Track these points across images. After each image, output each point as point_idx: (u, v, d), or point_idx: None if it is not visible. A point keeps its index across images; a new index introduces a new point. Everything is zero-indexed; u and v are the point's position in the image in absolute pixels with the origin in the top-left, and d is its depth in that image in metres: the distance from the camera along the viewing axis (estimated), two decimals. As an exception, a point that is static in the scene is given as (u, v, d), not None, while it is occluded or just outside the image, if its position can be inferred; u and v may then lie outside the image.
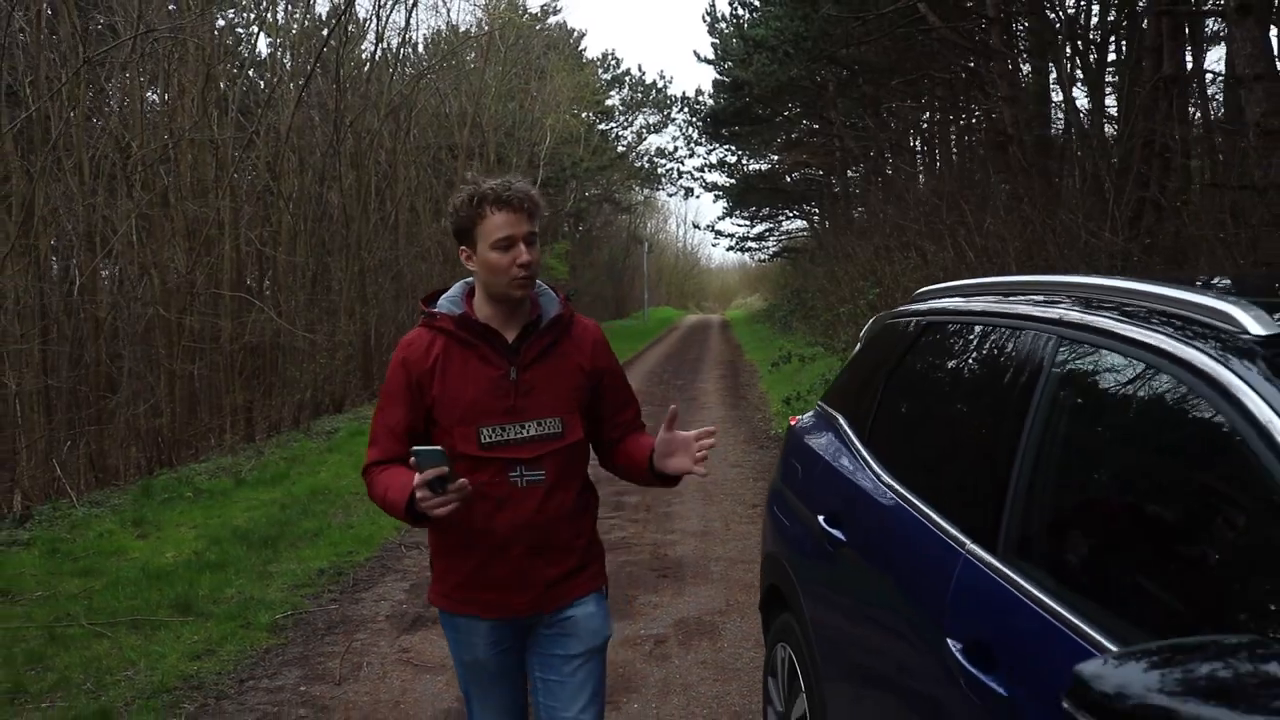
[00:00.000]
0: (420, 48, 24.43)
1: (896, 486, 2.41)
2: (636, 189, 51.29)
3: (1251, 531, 1.39)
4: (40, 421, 9.41)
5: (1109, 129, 14.15)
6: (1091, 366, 1.86)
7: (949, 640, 1.90)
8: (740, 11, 25.23)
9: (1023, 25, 16.48)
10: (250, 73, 18.05)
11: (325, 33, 17.16)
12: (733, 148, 35.40)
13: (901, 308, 2.99)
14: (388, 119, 17.71)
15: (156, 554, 6.74)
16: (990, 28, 14.92)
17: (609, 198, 46.66)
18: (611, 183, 44.37)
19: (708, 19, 30.18)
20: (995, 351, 2.25)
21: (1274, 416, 1.37)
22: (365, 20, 19.87)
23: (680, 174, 45.27)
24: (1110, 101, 16.36)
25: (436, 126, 22.61)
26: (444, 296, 2.45)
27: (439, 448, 2.10)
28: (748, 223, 43.49)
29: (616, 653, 4.75)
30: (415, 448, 2.10)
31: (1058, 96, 16.20)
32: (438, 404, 2.35)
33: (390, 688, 4.42)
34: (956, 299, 2.61)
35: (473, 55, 25.01)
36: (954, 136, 22.15)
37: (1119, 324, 1.78)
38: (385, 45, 19.20)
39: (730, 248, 47.27)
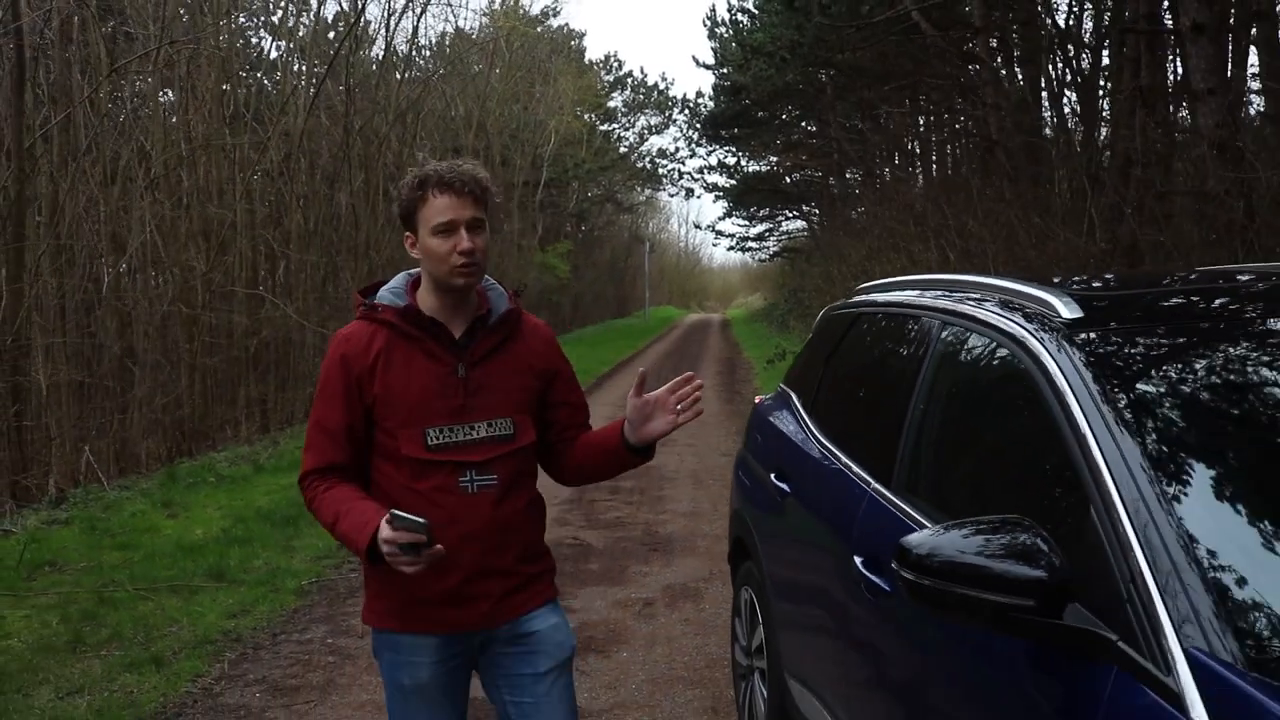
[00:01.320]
0: (427, 52, 25.04)
1: (828, 445, 2.97)
2: (638, 189, 51.90)
3: (1038, 449, 1.94)
4: (72, 412, 9.99)
5: (1097, 134, 14.72)
6: (959, 344, 2.42)
7: (855, 557, 2.45)
8: (740, 18, 25.76)
9: (1013, 33, 17.03)
10: (262, 77, 18.64)
11: (331, 34, 17.77)
12: (733, 149, 35.92)
13: (841, 302, 3.55)
14: (396, 123, 18.26)
15: (187, 531, 7.31)
16: (977, 37, 15.48)
17: (611, 198, 47.25)
18: (614, 183, 44.98)
19: (708, 23, 30.73)
20: (901, 335, 2.81)
21: (1058, 372, 1.92)
22: (375, 28, 20.42)
23: (681, 175, 45.83)
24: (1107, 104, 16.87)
25: (443, 129, 23.18)
26: (385, 287, 2.32)
27: (423, 521, 1.96)
28: (747, 223, 44.09)
29: (609, 613, 5.32)
30: (395, 512, 1.97)
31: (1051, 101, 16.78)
32: (379, 403, 2.20)
33: (407, 640, 4.97)
34: (882, 294, 3.17)
35: (478, 59, 25.59)
36: (944, 141, 22.64)
37: (979, 310, 2.34)
38: (393, 51, 19.79)
39: (731, 248, 47.86)
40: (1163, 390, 1.90)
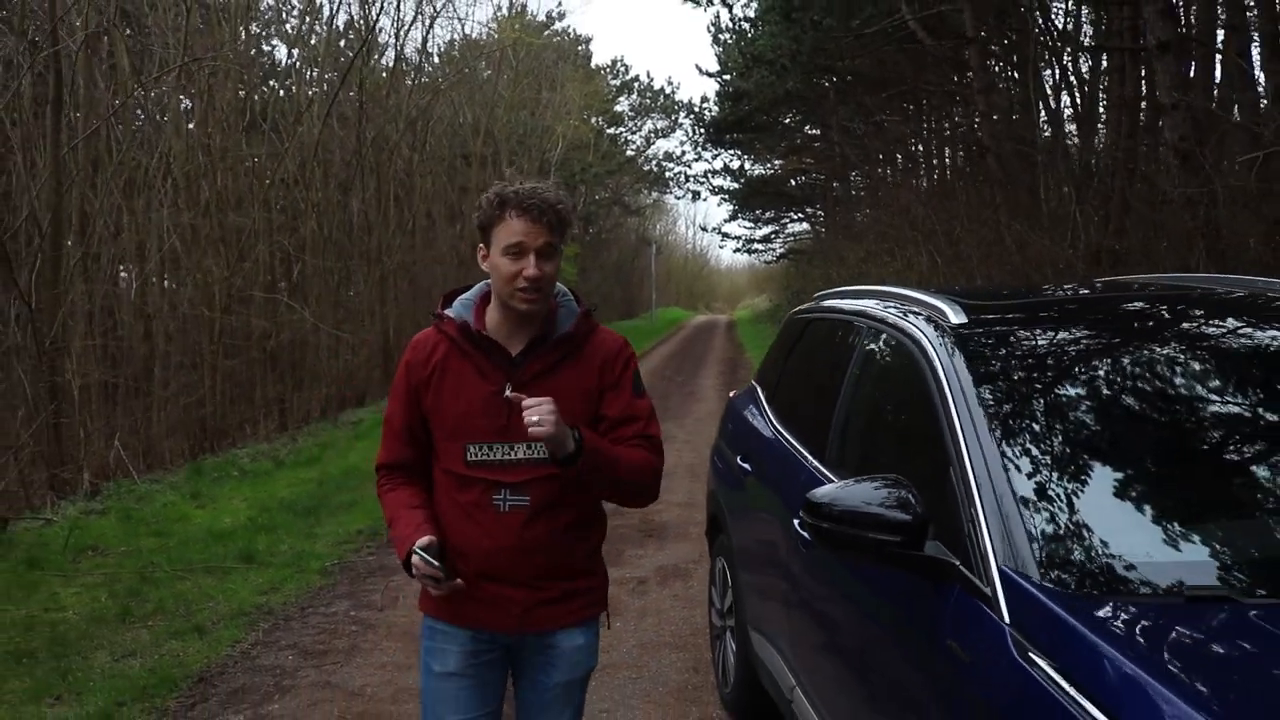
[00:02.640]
0: (436, 58, 25.64)
1: (781, 430, 3.50)
2: (646, 192, 52.47)
3: (924, 425, 2.46)
4: (103, 410, 10.57)
5: (1095, 140, 15.20)
6: (877, 343, 2.94)
7: (794, 520, 2.97)
8: (743, 25, 26.26)
9: (1009, 39, 17.49)
10: (275, 85, 19.24)
11: (342, 42, 18.35)
12: (737, 152, 36.39)
13: (800, 307, 4.08)
14: (406, 131, 18.83)
15: (216, 520, 7.86)
16: (969, 47, 15.96)
17: (619, 201, 47.82)
18: (621, 186, 45.55)
19: (712, 29, 31.19)
20: (838, 336, 3.33)
21: (940, 366, 2.44)
22: (385, 38, 21.01)
23: (687, 178, 46.38)
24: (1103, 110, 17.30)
25: (451, 136, 23.76)
26: (460, 298, 2.38)
27: (438, 564, 2.15)
28: (753, 225, 44.58)
29: (605, 589, 5.85)
30: (418, 551, 2.15)
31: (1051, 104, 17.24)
32: (431, 415, 2.31)
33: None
34: (831, 301, 3.69)
35: (485, 65, 26.14)
36: (940, 146, 23.12)
37: (891, 316, 2.86)
38: (404, 59, 20.37)
39: (737, 249, 48.47)
40: (1015, 379, 2.42)
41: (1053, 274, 10.25)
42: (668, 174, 47.73)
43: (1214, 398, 2.31)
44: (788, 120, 28.78)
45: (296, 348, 14.47)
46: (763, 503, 3.47)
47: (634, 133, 46.66)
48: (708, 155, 39.39)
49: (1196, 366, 2.40)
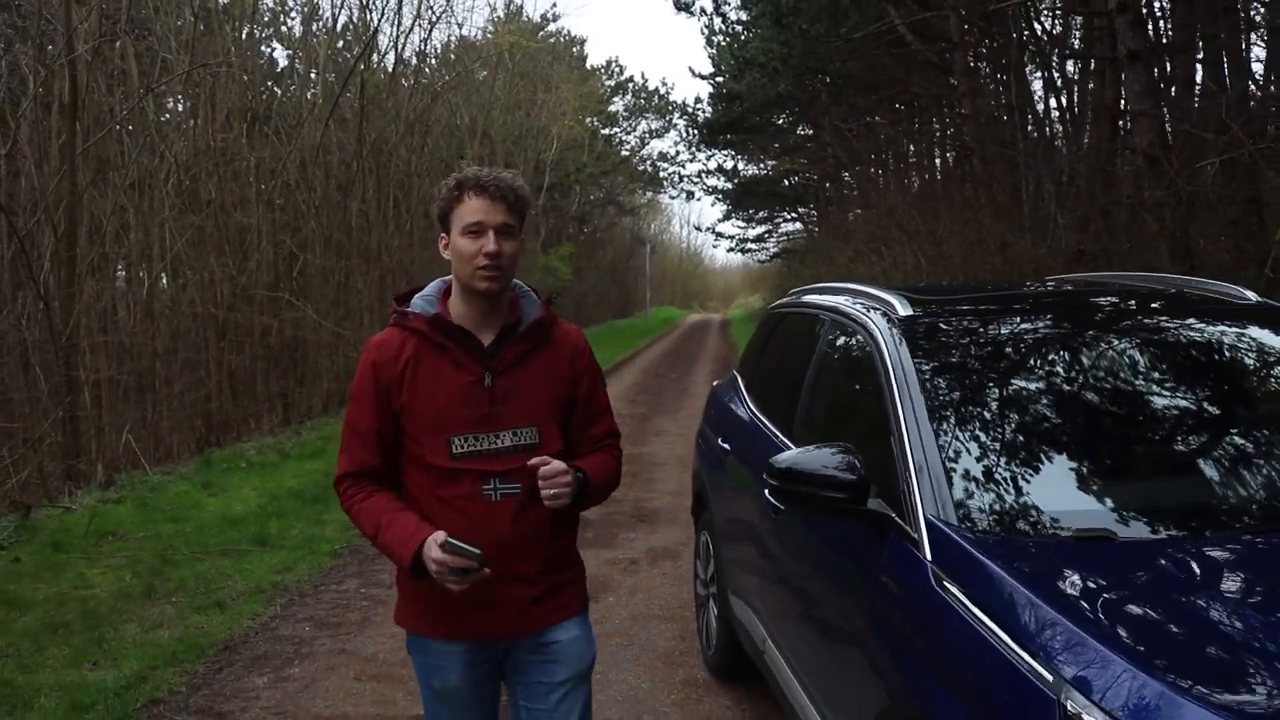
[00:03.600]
0: (433, 60, 26.01)
1: (756, 412, 3.90)
2: (640, 192, 52.87)
3: (873, 401, 2.85)
4: (115, 404, 10.94)
5: (1081, 142, 15.60)
6: (837, 332, 3.34)
7: (765, 490, 3.36)
8: (736, 28, 26.64)
9: (995, 43, 17.87)
10: (277, 89, 19.60)
11: (340, 44, 18.71)
12: (730, 152, 36.77)
13: (777, 302, 4.47)
14: (405, 134, 19.20)
15: (228, 507, 8.23)
16: (955, 51, 16.37)
17: (613, 200, 48.22)
18: (615, 186, 45.94)
19: (705, 31, 31.57)
20: (806, 328, 3.73)
21: (887, 353, 2.83)
22: (385, 44, 21.37)
23: (681, 178, 46.78)
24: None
25: (449, 137, 24.13)
26: (419, 294, 2.36)
27: (478, 551, 2.08)
28: (745, 225, 45.00)
29: (599, 569, 6.23)
30: (451, 541, 2.09)
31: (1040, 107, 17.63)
32: (405, 411, 2.26)
33: (428, 589, 5.93)
34: (801, 296, 4.08)
35: (481, 66, 26.51)
36: (930, 148, 23.53)
37: (849, 309, 3.26)
38: (403, 63, 20.72)
39: (731, 249, 48.77)
40: (948, 361, 2.82)
41: (1032, 273, 10.66)
42: (662, 174, 48.15)
43: (1106, 377, 2.72)
44: (780, 121, 29.16)
45: (298, 344, 14.84)
46: (739, 478, 3.86)
47: (629, 133, 47.07)
48: (701, 156, 39.78)
49: (1093, 351, 2.81)
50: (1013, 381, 2.73)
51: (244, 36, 15.44)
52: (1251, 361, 2.80)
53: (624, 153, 45.83)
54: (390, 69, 19.76)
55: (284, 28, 23.06)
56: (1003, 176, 14.41)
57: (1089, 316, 3.11)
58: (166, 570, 6.35)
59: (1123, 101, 12.83)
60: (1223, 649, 1.79)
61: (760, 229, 45.68)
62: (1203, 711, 1.61)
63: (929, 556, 2.26)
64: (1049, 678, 1.78)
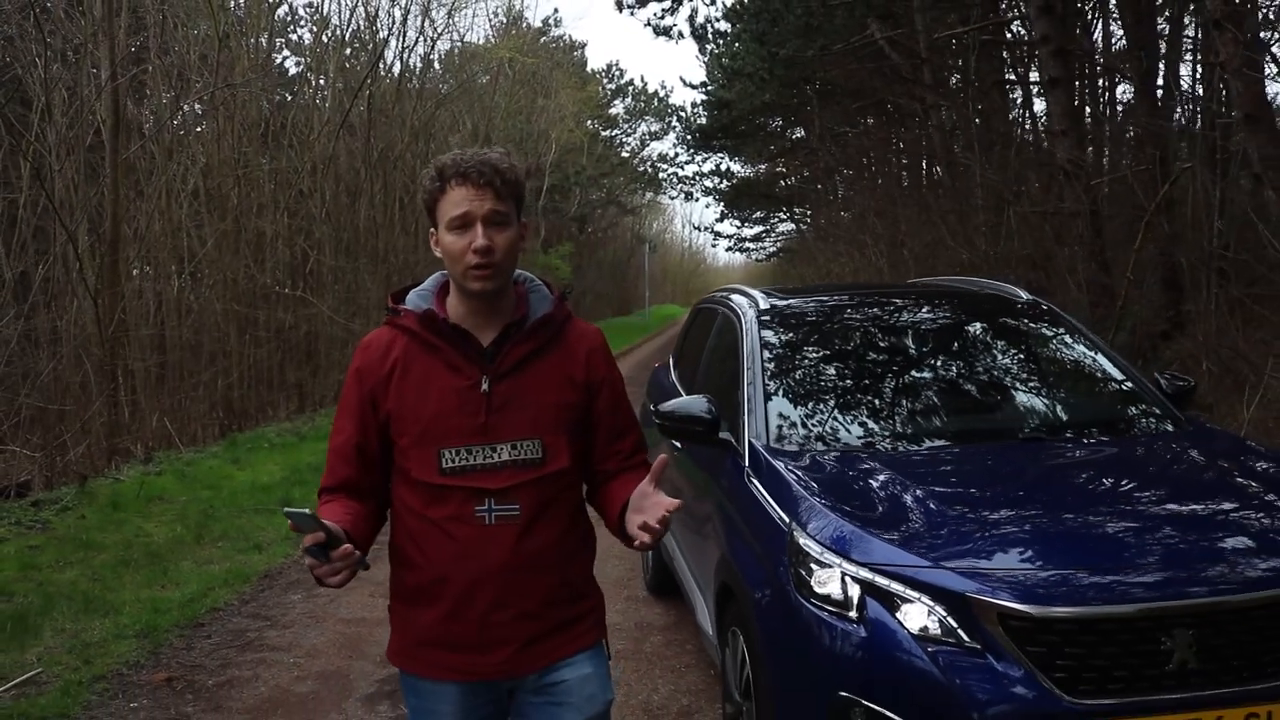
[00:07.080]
0: (437, 65, 27.22)
1: (675, 381, 5.12)
2: (640, 192, 54.06)
3: (735, 368, 4.06)
4: (152, 391, 12.22)
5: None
6: (724, 319, 4.56)
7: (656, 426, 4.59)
8: (720, 44, 27.82)
9: (969, 60, 18.98)
10: (288, 98, 20.82)
11: (348, 50, 19.95)
12: (725, 155, 37.90)
13: (702, 297, 5.70)
14: (411, 142, 20.45)
15: (256, 478, 9.47)
16: (922, 65, 17.53)
17: (614, 201, 49.40)
18: (615, 187, 47.14)
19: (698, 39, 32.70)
20: (708, 318, 4.95)
21: (745, 333, 4.05)
22: (391, 57, 22.59)
23: (679, 179, 47.96)
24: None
25: (452, 144, 25.37)
26: (415, 289, 2.10)
27: (308, 511, 1.75)
28: (742, 225, 46.19)
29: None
30: (286, 509, 1.76)
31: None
32: (393, 419, 2.00)
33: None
34: (715, 294, 5.30)
35: (482, 73, 27.72)
36: (901, 155, 24.70)
37: (732, 302, 4.48)
38: (409, 72, 21.97)
39: (729, 248, 50.01)
40: (786, 339, 4.05)
41: (972, 273, 11.86)
42: (661, 175, 49.29)
43: (887, 349, 3.96)
44: (770, 127, 30.33)
45: (312, 339, 16.12)
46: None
47: (629, 135, 48.24)
48: (699, 158, 40.96)
49: (883, 331, 4.04)
50: (821, 351, 3.96)
51: (261, 45, 16.68)
52: (988, 338, 4.04)
53: (624, 154, 47.02)
54: (397, 79, 21.00)
55: (294, 36, 24.41)
56: (959, 184, 15.60)
57: (894, 308, 4.34)
58: (210, 524, 7.58)
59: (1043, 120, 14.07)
60: (897, 508, 3.00)
61: (757, 229, 46.88)
62: (875, 540, 2.82)
63: (746, 463, 3.48)
64: (787, 521, 3.00)
